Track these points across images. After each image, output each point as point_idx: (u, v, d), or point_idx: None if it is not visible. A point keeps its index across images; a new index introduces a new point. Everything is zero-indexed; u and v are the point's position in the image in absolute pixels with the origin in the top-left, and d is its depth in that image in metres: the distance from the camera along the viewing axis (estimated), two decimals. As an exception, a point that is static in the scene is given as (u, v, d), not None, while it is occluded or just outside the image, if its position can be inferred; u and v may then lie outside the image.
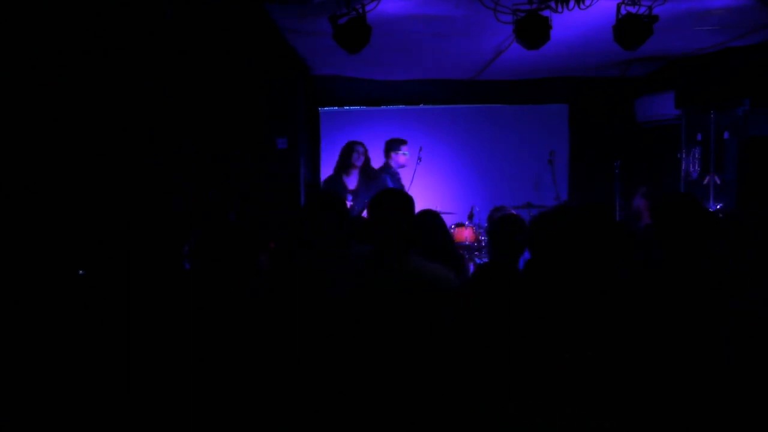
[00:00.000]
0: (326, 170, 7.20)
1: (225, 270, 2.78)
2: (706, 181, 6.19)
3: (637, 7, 4.34)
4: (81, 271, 3.94)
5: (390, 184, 6.35)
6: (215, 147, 6.39)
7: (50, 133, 4.24)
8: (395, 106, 7.64)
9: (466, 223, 6.32)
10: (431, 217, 3.91)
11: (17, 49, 4.07)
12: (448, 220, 5.34)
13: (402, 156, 6.60)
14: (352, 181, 6.36)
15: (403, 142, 6.67)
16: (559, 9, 4.27)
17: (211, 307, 2.69)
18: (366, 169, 6.47)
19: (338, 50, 4.49)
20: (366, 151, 6.49)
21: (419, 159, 6.52)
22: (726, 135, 6.11)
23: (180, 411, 2.53)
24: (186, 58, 5.39)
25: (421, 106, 7.67)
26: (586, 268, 2.53)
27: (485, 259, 5.80)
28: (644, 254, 3.25)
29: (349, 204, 6.14)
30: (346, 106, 7.63)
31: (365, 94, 7.48)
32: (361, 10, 4.28)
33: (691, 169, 6.44)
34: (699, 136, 6.37)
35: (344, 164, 6.45)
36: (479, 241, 6.19)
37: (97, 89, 4.51)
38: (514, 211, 4.83)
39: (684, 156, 6.51)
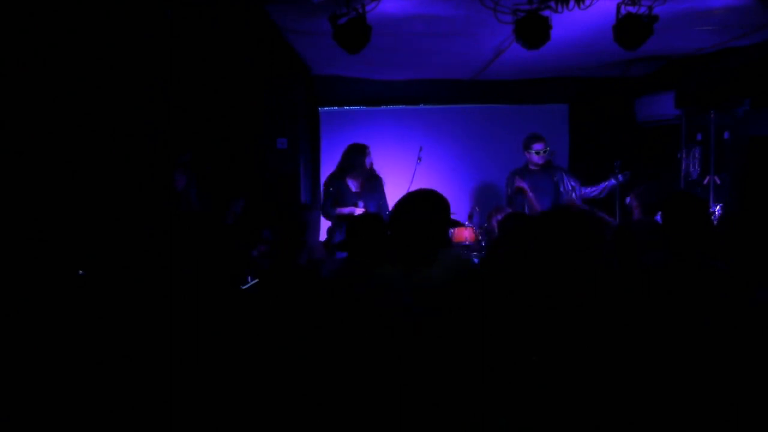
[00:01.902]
0: (326, 170, 7.18)
1: (224, 270, 2.78)
2: (706, 181, 6.19)
3: (637, 7, 4.34)
4: (81, 271, 3.94)
5: (522, 184, 6.09)
6: (215, 147, 6.39)
7: (51, 134, 4.24)
8: (395, 106, 7.62)
9: (466, 223, 6.32)
10: None
11: (17, 51, 4.07)
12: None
13: (534, 155, 6.20)
14: (354, 184, 6.13)
15: (534, 139, 6.20)
16: (559, 9, 4.27)
17: (211, 307, 2.69)
18: (370, 171, 6.18)
19: (338, 50, 4.49)
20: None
21: (419, 159, 6.49)
22: (726, 135, 6.11)
23: (180, 410, 2.53)
24: (186, 59, 5.39)
25: (421, 106, 7.66)
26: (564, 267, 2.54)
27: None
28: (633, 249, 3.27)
29: (360, 210, 6.02)
30: (346, 106, 7.62)
31: (365, 94, 7.47)
32: (361, 10, 4.28)
33: (691, 169, 6.44)
34: (699, 136, 6.37)
35: (351, 166, 6.08)
36: (479, 241, 6.19)
37: (98, 89, 4.51)
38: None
39: (684, 156, 6.51)
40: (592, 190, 6.20)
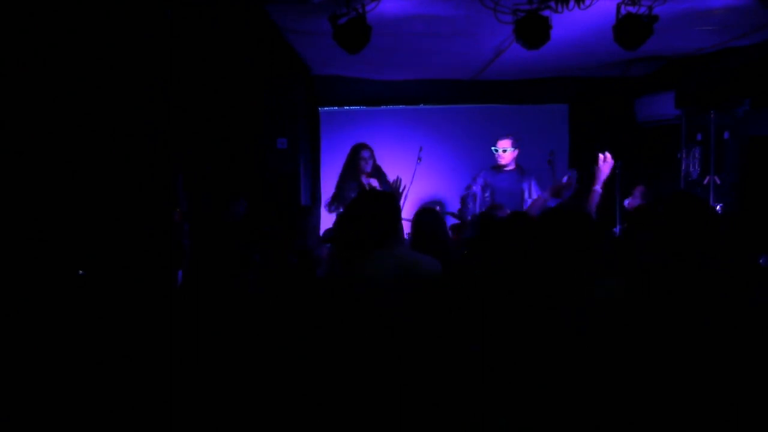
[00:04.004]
0: (326, 170, 7.18)
1: (222, 269, 2.78)
2: (706, 181, 6.19)
3: (637, 7, 4.35)
4: (81, 271, 3.94)
5: (488, 181, 6.00)
6: (215, 147, 6.39)
7: (51, 134, 4.24)
8: (395, 106, 7.62)
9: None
10: (429, 214, 3.99)
11: (17, 51, 4.07)
12: (449, 220, 5.33)
13: (495, 153, 5.98)
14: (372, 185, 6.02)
15: (500, 136, 6.01)
16: (559, 9, 4.27)
17: (212, 307, 2.69)
18: (378, 171, 6.12)
19: (338, 50, 4.49)
20: (372, 153, 6.14)
21: (419, 159, 6.47)
22: (726, 135, 6.11)
23: (180, 410, 2.53)
24: (186, 59, 5.39)
25: (421, 106, 7.66)
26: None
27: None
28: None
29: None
30: (346, 106, 7.62)
31: (365, 94, 7.47)
32: (361, 10, 4.28)
33: (691, 169, 6.44)
34: (699, 136, 6.37)
35: (352, 171, 6.06)
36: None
37: (98, 89, 4.51)
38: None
39: (684, 156, 6.51)
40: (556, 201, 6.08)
